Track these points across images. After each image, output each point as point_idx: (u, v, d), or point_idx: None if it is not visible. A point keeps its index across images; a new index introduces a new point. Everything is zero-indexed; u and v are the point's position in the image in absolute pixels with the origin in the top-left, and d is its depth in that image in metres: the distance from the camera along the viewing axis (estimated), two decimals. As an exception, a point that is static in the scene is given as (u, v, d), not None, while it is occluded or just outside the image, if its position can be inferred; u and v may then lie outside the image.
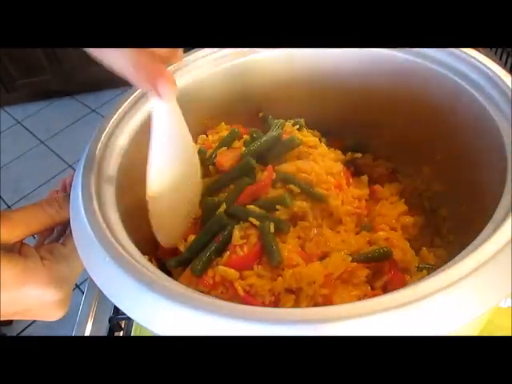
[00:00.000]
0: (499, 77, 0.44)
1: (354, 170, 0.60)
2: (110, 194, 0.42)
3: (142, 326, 0.32)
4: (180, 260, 0.48)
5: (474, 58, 0.46)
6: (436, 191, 0.56)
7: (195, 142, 0.57)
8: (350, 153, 0.60)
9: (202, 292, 0.41)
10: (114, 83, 2.51)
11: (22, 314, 0.42)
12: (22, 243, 0.42)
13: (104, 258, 0.35)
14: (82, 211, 0.39)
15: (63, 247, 0.43)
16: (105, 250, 0.36)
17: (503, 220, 0.34)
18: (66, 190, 0.50)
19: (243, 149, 0.54)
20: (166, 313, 0.32)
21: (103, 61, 0.34)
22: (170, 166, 0.45)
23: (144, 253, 0.39)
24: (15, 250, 0.41)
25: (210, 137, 0.59)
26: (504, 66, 0.78)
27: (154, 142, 0.43)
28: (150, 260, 0.43)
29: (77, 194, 0.41)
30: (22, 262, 0.39)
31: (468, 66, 0.47)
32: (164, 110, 0.40)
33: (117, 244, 0.37)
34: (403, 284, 0.45)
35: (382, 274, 0.46)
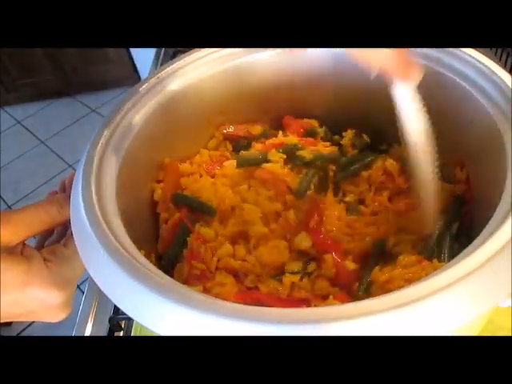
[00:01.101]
0: (499, 77, 0.44)
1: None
2: (110, 193, 0.43)
3: (143, 326, 0.32)
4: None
5: (475, 59, 0.46)
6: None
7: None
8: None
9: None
10: (114, 83, 2.51)
11: (27, 316, 0.42)
12: (23, 244, 0.42)
13: (104, 257, 0.35)
14: (83, 211, 0.39)
15: (66, 249, 0.43)
16: (105, 249, 0.36)
17: (503, 220, 0.34)
18: (65, 191, 0.50)
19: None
20: (166, 313, 0.32)
21: (359, 57, 0.37)
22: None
23: (143, 249, 0.39)
24: (17, 251, 0.40)
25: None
26: (504, 66, 0.78)
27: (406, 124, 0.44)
28: (149, 255, 0.43)
29: (77, 193, 0.41)
30: (25, 264, 0.39)
31: (468, 66, 0.47)
32: (410, 95, 0.42)
33: (117, 243, 0.37)
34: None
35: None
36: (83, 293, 0.69)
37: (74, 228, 0.40)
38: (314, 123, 0.62)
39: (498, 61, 0.79)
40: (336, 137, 0.61)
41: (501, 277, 0.30)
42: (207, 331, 0.30)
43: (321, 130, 0.61)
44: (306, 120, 0.62)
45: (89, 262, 0.37)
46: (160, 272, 0.36)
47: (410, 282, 0.41)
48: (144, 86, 0.52)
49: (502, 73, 0.44)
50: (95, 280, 0.36)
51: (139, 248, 0.39)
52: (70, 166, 2.23)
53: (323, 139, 0.60)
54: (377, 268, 0.46)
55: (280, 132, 0.60)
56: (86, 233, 0.38)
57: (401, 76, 0.39)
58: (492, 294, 0.30)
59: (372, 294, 0.44)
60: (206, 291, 0.44)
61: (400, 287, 0.31)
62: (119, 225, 0.40)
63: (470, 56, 0.47)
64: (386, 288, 0.43)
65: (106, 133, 0.46)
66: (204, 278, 0.46)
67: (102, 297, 0.68)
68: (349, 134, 0.59)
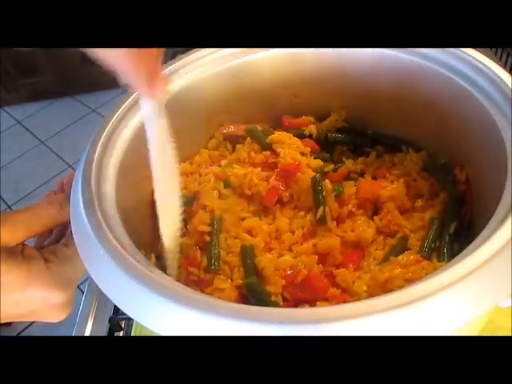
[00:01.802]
0: (499, 77, 0.44)
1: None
2: (110, 193, 0.43)
3: (143, 326, 0.32)
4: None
5: (475, 59, 0.46)
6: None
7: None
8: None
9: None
10: (114, 83, 2.49)
11: (28, 316, 0.42)
12: (23, 245, 0.42)
13: (104, 258, 0.35)
14: (83, 211, 0.39)
15: (66, 249, 0.43)
16: (105, 249, 0.36)
17: (503, 220, 0.34)
18: (63, 191, 0.50)
19: None
20: (166, 313, 0.32)
21: (99, 57, 0.34)
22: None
23: (143, 249, 0.39)
24: (17, 252, 0.40)
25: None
26: (504, 66, 0.78)
27: (149, 144, 0.42)
28: (149, 255, 0.43)
29: (77, 193, 0.41)
30: (25, 265, 0.39)
31: (469, 66, 0.47)
32: (154, 110, 0.40)
33: (117, 243, 0.37)
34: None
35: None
36: (83, 293, 0.69)
37: (73, 228, 0.40)
38: (311, 119, 0.62)
39: (498, 61, 0.79)
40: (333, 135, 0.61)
41: (501, 276, 0.30)
42: (208, 331, 0.30)
43: (313, 127, 0.61)
44: (303, 117, 0.62)
45: (88, 261, 0.37)
46: (160, 272, 0.36)
47: (410, 281, 0.41)
48: (144, 86, 0.52)
49: (501, 73, 0.44)
50: (95, 280, 0.36)
51: (139, 248, 0.39)
52: (70, 166, 2.22)
53: (317, 139, 0.60)
54: (377, 268, 0.46)
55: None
56: (85, 233, 0.38)
57: (146, 90, 0.37)
58: (492, 293, 0.30)
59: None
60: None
61: (400, 287, 0.31)
62: (119, 225, 0.40)
63: (470, 56, 0.47)
64: (386, 288, 0.43)
65: (106, 133, 0.46)
66: (201, 283, 0.46)
67: (102, 297, 0.68)
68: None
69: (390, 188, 0.52)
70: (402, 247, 0.48)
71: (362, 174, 0.58)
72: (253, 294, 0.45)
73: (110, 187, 0.43)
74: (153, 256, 0.48)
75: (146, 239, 0.50)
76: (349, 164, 0.58)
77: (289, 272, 0.46)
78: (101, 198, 0.41)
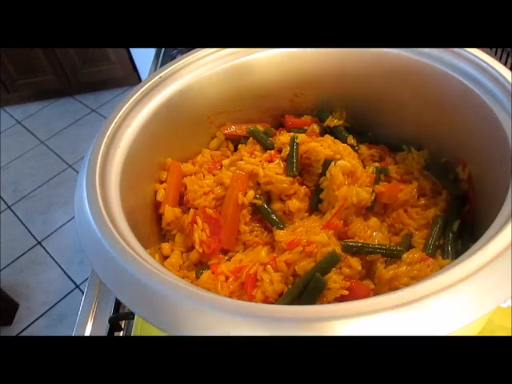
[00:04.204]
0: (503, 76, 0.43)
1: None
2: (114, 192, 0.43)
3: (148, 321, 0.32)
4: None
5: (477, 57, 0.46)
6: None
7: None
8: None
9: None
10: (114, 83, 2.51)
11: None
12: None
13: (109, 255, 0.36)
14: (88, 210, 0.39)
15: None
16: (110, 247, 0.36)
17: (505, 223, 0.34)
18: None
19: None
20: (171, 308, 0.32)
21: None
22: None
23: (147, 247, 0.40)
24: None
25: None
26: (504, 65, 0.77)
27: None
28: (153, 255, 0.44)
29: (81, 193, 0.41)
30: None
31: (472, 65, 0.47)
32: None
33: (122, 241, 0.37)
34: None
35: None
36: (83, 293, 0.69)
37: (79, 230, 0.40)
38: (311, 119, 0.62)
39: (499, 61, 0.79)
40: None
41: (501, 279, 0.30)
42: (211, 326, 0.30)
43: (316, 127, 0.61)
44: (305, 116, 0.62)
45: (94, 259, 0.37)
46: (166, 270, 0.37)
47: (415, 279, 0.42)
48: (146, 86, 0.52)
49: (504, 71, 0.44)
50: (104, 281, 0.36)
51: (145, 247, 0.39)
52: (70, 166, 2.22)
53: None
54: (381, 266, 0.46)
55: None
56: (91, 231, 0.38)
57: None
58: (492, 296, 0.30)
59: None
60: None
61: (406, 284, 0.31)
62: (125, 225, 0.40)
63: (473, 54, 0.46)
64: (392, 285, 0.43)
65: (109, 133, 0.46)
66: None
67: (102, 297, 0.68)
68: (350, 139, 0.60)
69: (407, 191, 0.52)
70: (406, 245, 0.48)
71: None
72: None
73: (114, 188, 0.43)
74: (157, 256, 0.48)
75: (151, 239, 0.51)
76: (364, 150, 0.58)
77: None
78: (105, 197, 0.41)
